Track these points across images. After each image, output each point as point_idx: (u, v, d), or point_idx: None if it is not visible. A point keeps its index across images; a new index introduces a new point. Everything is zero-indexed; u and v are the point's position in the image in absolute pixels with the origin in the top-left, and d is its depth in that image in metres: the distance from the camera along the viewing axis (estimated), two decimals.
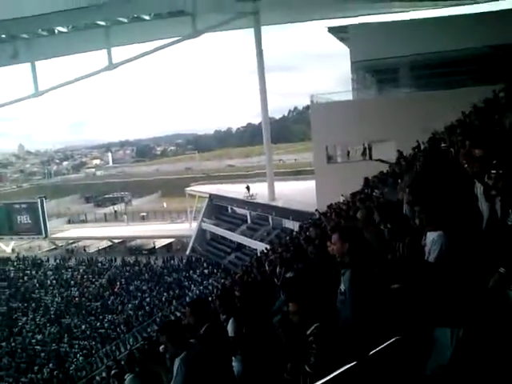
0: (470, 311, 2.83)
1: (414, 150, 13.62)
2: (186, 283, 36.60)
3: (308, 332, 3.39)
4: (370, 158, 28.93)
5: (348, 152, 31.77)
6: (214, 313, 6.58)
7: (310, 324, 3.39)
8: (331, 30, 34.71)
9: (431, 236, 3.59)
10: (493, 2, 32.55)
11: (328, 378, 3.12)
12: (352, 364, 3.10)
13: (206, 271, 37.54)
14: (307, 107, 37.58)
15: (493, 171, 3.92)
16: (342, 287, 3.61)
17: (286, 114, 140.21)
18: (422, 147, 13.60)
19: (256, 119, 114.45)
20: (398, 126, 25.33)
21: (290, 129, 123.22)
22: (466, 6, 35.46)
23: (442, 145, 9.57)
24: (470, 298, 2.84)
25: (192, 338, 4.64)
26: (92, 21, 32.01)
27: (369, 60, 29.81)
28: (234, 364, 5.05)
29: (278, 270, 7.53)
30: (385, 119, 26.56)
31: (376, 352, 3.12)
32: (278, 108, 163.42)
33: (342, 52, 37.69)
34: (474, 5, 35.03)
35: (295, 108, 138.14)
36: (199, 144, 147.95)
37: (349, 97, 31.86)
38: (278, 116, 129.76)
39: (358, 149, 30.46)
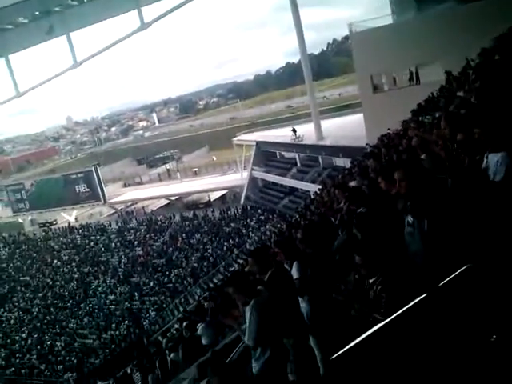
0: None
1: (465, 69, 12.81)
2: (245, 231, 37.26)
3: (372, 280, 3.33)
4: (418, 82, 27.70)
5: (394, 79, 30.50)
6: (274, 257, 6.64)
7: (375, 273, 3.33)
8: None
9: (494, 158, 3.37)
10: None
11: (399, 312, 3.07)
12: (422, 297, 3.03)
13: (262, 218, 37.98)
14: (346, 37, 35.96)
15: None
16: (410, 219, 3.49)
17: (324, 48, 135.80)
18: (473, 64, 12.76)
19: (294, 57, 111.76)
20: (443, 45, 23.79)
21: (330, 63, 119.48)
22: None
23: (496, 57, 8.86)
24: None
25: (258, 285, 4.72)
26: None
27: None
28: (302, 305, 5.10)
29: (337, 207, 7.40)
30: (429, 40, 24.99)
31: (446, 282, 3.03)
32: (316, 42, 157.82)
33: None
34: None
35: (334, 40, 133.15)
36: (240, 92, 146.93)
37: (389, 21, 30.19)
38: (316, 51, 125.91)
39: (405, 74, 29.16)
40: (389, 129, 16.86)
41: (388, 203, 4.49)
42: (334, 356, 3.57)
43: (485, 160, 3.48)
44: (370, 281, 3.34)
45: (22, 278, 44.28)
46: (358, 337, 3.33)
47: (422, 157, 6.23)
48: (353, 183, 8.88)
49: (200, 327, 10.78)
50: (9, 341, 36.77)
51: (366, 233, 3.77)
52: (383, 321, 3.16)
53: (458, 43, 21.42)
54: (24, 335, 36.66)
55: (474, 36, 18.24)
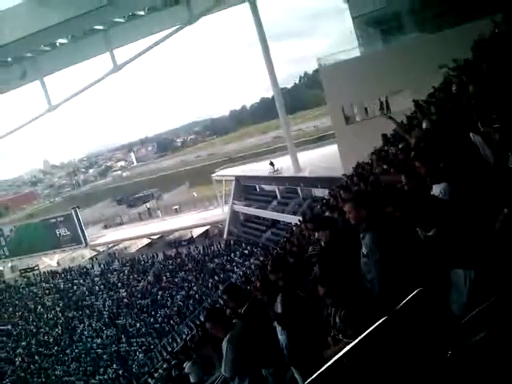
0: (479, 253, 2.96)
1: (429, 98, 13.35)
2: (229, 266, 37.18)
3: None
4: (389, 111, 28.49)
5: (366, 109, 31.30)
6: (251, 292, 6.84)
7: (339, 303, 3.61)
8: None
9: (437, 189, 3.68)
10: None
11: (362, 336, 3.34)
12: (382, 320, 3.30)
13: (246, 252, 38.01)
14: (317, 70, 36.87)
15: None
16: (364, 250, 3.77)
17: (297, 82, 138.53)
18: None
19: (268, 92, 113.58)
20: (410, 74, 24.71)
21: (304, 95, 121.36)
22: None
23: (453, 88, 9.35)
24: (479, 241, 2.97)
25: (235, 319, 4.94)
26: (89, 27, 32.25)
27: (368, 13, 29.20)
28: (281, 337, 5.30)
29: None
30: (396, 69, 25.95)
31: (403, 305, 3.31)
32: (288, 76, 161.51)
33: (342, 9, 36.64)
34: None
35: (305, 73, 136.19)
36: (217, 128, 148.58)
37: (356, 53, 31.22)
38: (289, 85, 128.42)
39: (376, 104, 30.02)
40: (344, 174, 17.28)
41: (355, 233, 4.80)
42: (309, 380, 3.83)
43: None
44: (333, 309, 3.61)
45: (3, 328, 43.25)
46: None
47: None
48: (327, 214, 9.21)
49: (187, 365, 10.85)
50: None
51: (328, 264, 4.04)
52: (350, 343, 3.44)
53: (424, 71, 22.25)
54: None
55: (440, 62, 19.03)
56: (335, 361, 3.57)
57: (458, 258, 3.09)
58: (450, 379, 3.09)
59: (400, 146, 7.73)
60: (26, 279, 51.04)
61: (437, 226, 3.19)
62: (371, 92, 28.55)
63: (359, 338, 3.38)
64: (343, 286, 3.57)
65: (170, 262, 42.39)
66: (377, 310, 3.40)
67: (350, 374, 3.59)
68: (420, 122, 11.76)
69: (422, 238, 3.32)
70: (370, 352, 3.39)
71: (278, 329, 5.27)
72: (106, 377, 32.01)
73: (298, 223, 22.13)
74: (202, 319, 21.73)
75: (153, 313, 36.30)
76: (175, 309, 35.28)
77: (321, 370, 3.65)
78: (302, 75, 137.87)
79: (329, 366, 3.60)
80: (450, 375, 3.11)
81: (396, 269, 3.42)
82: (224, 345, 4.38)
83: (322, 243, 5.43)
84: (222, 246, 41.44)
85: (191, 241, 47.66)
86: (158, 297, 38.01)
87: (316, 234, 6.12)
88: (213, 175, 50.72)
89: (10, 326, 43.08)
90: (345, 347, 3.53)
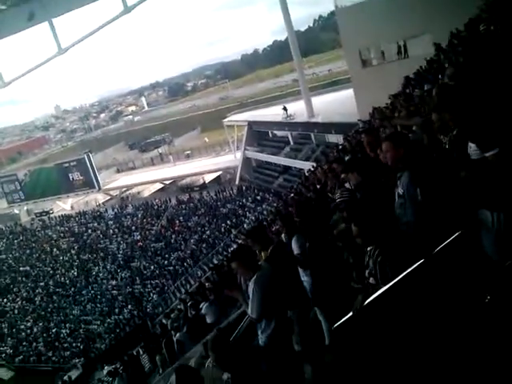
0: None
1: (452, 41, 12.82)
2: (241, 211, 37.39)
3: (369, 248, 3.49)
4: (407, 56, 27.62)
5: (382, 52, 30.36)
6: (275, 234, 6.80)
7: (371, 243, 3.49)
8: None
9: None
10: None
11: (400, 277, 3.25)
12: (419, 262, 3.20)
13: (257, 197, 38.07)
14: (332, 13, 35.41)
15: None
16: (400, 190, 3.62)
17: (311, 25, 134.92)
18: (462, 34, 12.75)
19: (281, 35, 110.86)
20: (431, 17, 23.69)
21: (318, 39, 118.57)
22: None
23: (481, 27, 8.88)
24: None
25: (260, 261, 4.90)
26: None
27: None
28: (304, 279, 5.28)
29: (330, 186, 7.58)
30: (416, 12, 24.80)
31: (442, 248, 3.20)
32: (303, 19, 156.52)
33: None
34: None
35: (320, 16, 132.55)
36: (228, 72, 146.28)
37: None
38: (303, 28, 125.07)
39: (393, 47, 29.06)
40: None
41: (382, 174, 4.64)
42: (337, 324, 3.77)
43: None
44: (368, 249, 3.50)
45: (22, 268, 44.48)
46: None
47: (414, 128, 6.40)
48: (348, 157, 9.04)
49: (204, 306, 11.04)
50: (15, 330, 37.25)
51: (360, 205, 3.92)
52: (383, 287, 3.35)
53: (446, 14, 21.31)
54: (29, 324, 37.16)
55: (462, 6, 18.14)
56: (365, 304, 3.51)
57: (491, 198, 2.95)
58: (488, 324, 3.03)
59: (426, 88, 7.39)
60: (41, 222, 51.90)
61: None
62: (389, 35, 27.50)
63: (393, 281, 3.29)
64: (376, 225, 3.45)
65: (183, 206, 42.65)
66: (412, 253, 3.29)
67: (380, 318, 3.51)
68: (442, 66, 11.35)
69: (474, 156, 3.14)
70: (405, 295, 3.30)
71: (301, 270, 5.26)
72: (121, 317, 33.07)
73: (312, 169, 22.05)
74: (224, 259, 22.09)
75: (166, 255, 36.97)
76: (188, 252, 35.86)
77: (350, 314, 3.60)
78: (317, 18, 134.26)
79: (358, 309, 3.54)
80: (488, 320, 3.04)
81: (433, 210, 3.28)
82: (251, 286, 4.33)
83: (348, 185, 5.31)
84: (234, 191, 41.46)
85: (203, 186, 47.66)
86: (172, 240, 38.57)
87: (342, 176, 5.98)
88: (224, 120, 50.15)
89: (28, 268, 44.20)
90: (376, 291, 3.45)
